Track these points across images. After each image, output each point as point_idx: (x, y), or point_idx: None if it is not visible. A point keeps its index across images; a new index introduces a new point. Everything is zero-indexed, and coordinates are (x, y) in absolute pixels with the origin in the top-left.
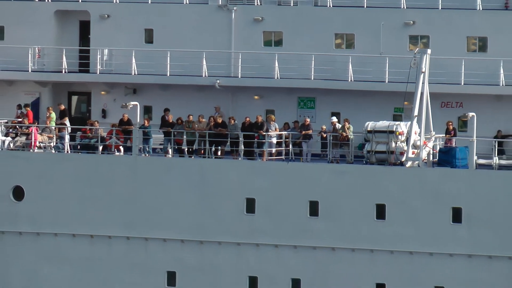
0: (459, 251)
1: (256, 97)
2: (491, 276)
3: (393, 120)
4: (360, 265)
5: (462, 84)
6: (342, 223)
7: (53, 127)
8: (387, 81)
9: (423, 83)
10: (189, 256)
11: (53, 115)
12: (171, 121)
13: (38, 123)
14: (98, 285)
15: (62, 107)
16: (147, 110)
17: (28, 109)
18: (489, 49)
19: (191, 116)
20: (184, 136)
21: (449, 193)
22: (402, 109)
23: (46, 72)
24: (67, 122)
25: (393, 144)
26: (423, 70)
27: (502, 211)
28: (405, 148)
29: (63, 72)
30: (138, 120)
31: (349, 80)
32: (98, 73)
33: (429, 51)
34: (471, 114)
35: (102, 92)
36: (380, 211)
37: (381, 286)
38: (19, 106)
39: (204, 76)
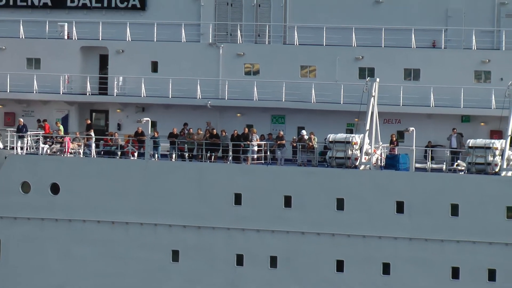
0: (402, 235)
1: (238, 114)
2: (427, 254)
3: (346, 133)
4: (324, 245)
5: (401, 105)
6: (309, 212)
7: (82, 137)
8: (341, 103)
9: (373, 104)
10: (190, 238)
11: (61, 127)
12: (175, 133)
13: (69, 134)
14: (117, 261)
15: (88, 121)
16: (153, 124)
17: (59, 123)
18: (421, 78)
19: (191, 129)
20: (186, 145)
21: (394, 190)
22: (353, 124)
23: (73, 94)
24: (92, 133)
25: (349, 152)
26: (373, 94)
27: (435, 203)
28: (359, 154)
29: (87, 94)
30: (150, 132)
31: (312, 102)
32: (114, 95)
33: (378, 79)
34: (411, 128)
35: (118, 110)
36: (340, 204)
37: (340, 262)
38: (38, 121)
39: (198, 98)
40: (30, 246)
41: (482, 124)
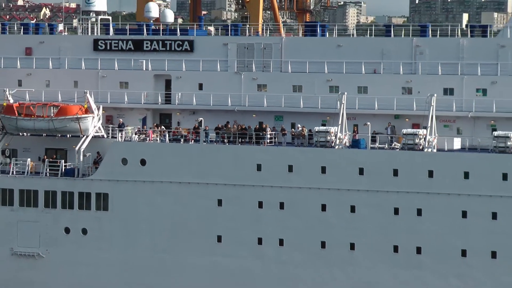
0: (362, 188)
1: (254, 115)
2: (378, 200)
3: (322, 126)
4: (313, 195)
5: (357, 108)
6: (303, 175)
7: (159, 130)
8: (319, 107)
9: (343, 108)
10: (229, 191)
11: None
12: (219, 127)
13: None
14: (183, 206)
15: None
16: (200, 122)
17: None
18: (369, 92)
19: (228, 125)
20: (225, 134)
21: (356, 160)
22: (326, 121)
23: (149, 103)
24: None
25: (328, 137)
26: (343, 102)
27: (382, 169)
28: (334, 139)
29: (158, 103)
30: (203, 126)
31: (300, 107)
32: (176, 104)
33: (345, 93)
34: (368, 123)
35: (177, 113)
36: (323, 170)
37: (323, 206)
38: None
39: (229, 105)
40: (127, 198)
41: (406, 120)
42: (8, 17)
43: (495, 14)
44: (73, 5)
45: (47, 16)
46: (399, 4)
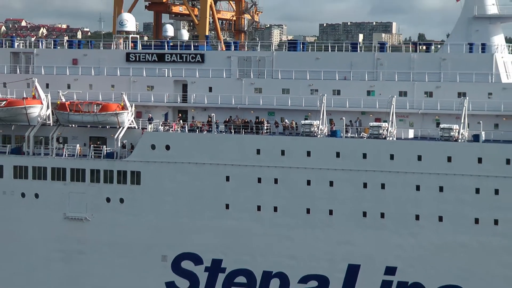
0: (338, 167)
1: (252, 111)
2: (349, 176)
3: (306, 120)
4: (300, 173)
5: (332, 106)
6: (293, 158)
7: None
8: (303, 106)
9: (323, 107)
10: (234, 170)
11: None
12: (227, 120)
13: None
14: (199, 181)
15: (180, 115)
16: (212, 117)
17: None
18: (341, 94)
19: (234, 119)
20: (232, 126)
21: (334, 146)
22: (307, 116)
23: (170, 102)
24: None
25: (312, 129)
26: (323, 102)
27: (354, 153)
28: (316, 130)
29: (177, 102)
30: (214, 120)
31: (288, 105)
32: (191, 103)
33: (325, 95)
34: (343, 118)
35: (192, 110)
36: (308, 153)
37: (308, 181)
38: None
39: (233, 103)
40: (155, 175)
41: (370, 115)
42: (14, 34)
43: (383, 35)
44: (64, 26)
45: (44, 34)
46: (311, 26)
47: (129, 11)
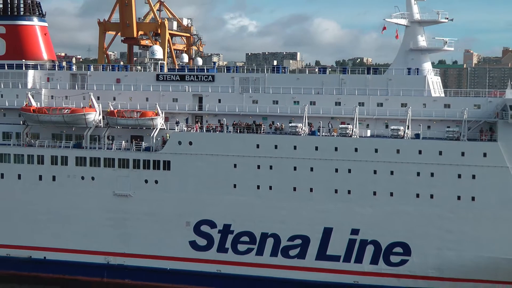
0: (316, 157)
1: (250, 116)
2: (322, 164)
3: (291, 124)
4: (289, 163)
5: (309, 113)
6: (283, 151)
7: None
8: (288, 112)
9: (305, 114)
10: (239, 160)
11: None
12: (235, 123)
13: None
14: (213, 168)
15: (196, 119)
16: (223, 121)
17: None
18: (316, 104)
19: (240, 123)
20: (237, 127)
21: (313, 142)
22: (292, 121)
23: (190, 110)
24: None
25: (297, 129)
26: (305, 110)
27: (323, 146)
28: (300, 130)
29: (195, 110)
30: (225, 123)
31: (278, 112)
32: (206, 110)
33: (306, 105)
34: (321, 122)
35: (206, 116)
36: (295, 147)
37: (294, 168)
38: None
39: (236, 111)
40: (181, 163)
41: (338, 120)
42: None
43: (291, 61)
44: (62, 54)
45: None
46: (240, 55)
47: (110, 44)
